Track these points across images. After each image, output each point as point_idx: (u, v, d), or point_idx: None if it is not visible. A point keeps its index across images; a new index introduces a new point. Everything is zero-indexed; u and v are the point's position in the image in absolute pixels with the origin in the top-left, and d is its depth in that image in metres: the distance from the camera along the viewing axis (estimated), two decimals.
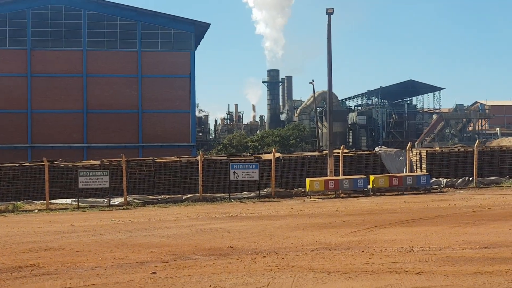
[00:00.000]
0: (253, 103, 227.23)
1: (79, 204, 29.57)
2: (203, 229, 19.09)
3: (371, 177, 30.89)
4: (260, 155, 37.14)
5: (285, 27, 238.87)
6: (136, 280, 11.25)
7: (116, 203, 30.17)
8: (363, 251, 13.78)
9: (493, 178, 33.46)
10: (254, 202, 28.79)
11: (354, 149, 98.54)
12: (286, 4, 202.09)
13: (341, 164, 33.24)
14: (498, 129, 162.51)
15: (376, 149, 37.76)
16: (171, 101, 61.54)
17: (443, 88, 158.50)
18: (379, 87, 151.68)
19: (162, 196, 30.96)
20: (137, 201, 30.33)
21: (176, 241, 16.52)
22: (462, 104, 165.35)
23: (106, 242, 16.56)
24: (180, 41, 63.18)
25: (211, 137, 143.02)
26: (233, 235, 17.27)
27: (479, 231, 16.14)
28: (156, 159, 34.07)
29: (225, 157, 36.68)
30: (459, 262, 11.97)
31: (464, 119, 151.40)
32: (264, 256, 13.63)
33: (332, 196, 30.23)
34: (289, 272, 11.57)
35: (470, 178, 32.90)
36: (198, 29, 65.18)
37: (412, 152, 37.11)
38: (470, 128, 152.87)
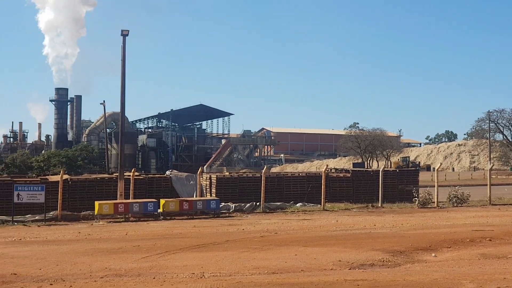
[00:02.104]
0: (40, 122, 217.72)
1: None
2: None
3: (162, 201, 30.70)
4: (47, 177, 35.58)
5: (77, 44, 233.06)
6: None
7: None
8: (154, 278, 13.49)
9: (278, 203, 34.66)
10: (39, 226, 27.35)
11: (144, 172, 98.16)
12: (78, 23, 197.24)
13: (131, 187, 32.75)
14: (282, 155, 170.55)
15: (167, 172, 37.71)
16: None
17: (232, 114, 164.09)
18: (170, 110, 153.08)
19: None
20: None
21: None
22: (250, 130, 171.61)
23: None
24: None
25: None
26: (17, 261, 16.18)
27: (267, 256, 16.49)
28: None
29: (9, 178, 34.60)
30: None
31: (251, 145, 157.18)
32: (51, 284, 12.91)
33: (122, 219, 29.58)
34: None
35: (258, 203, 33.83)
36: None
37: (202, 176, 37.54)
38: (257, 154, 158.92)
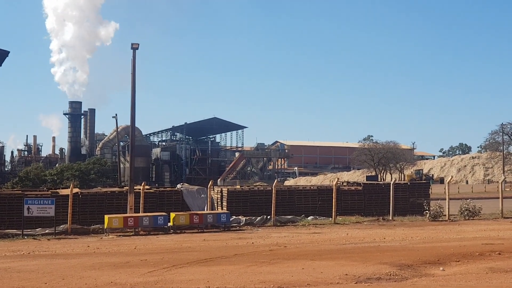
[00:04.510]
0: (54, 135, 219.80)
1: None
2: None
3: (172, 214, 30.70)
4: (58, 190, 35.70)
5: (89, 60, 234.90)
6: None
7: None
8: None
9: (289, 217, 34.53)
10: (49, 239, 27.43)
11: (156, 185, 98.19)
12: (90, 40, 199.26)
13: (141, 201, 32.80)
14: (296, 168, 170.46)
15: (178, 186, 37.73)
16: None
17: (246, 127, 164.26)
18: (184, 123, 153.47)
19: None
20: None
21: None
22: (263, 143, 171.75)
23: None
24: None
25: (6, 169, 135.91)
26: (23, 275, 16.21)
27: (274, 270, 16.42)
28: None
29: (20, 192, 34.75)
30: None
31: (265, 158, 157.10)
32: None
33: (132, 233, 29.60)
34: None
35: (268, 217, 33.72)
36: None
37: (213, 189, 37.54)
38: (271, 167, 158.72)
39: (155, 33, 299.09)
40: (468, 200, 37.40)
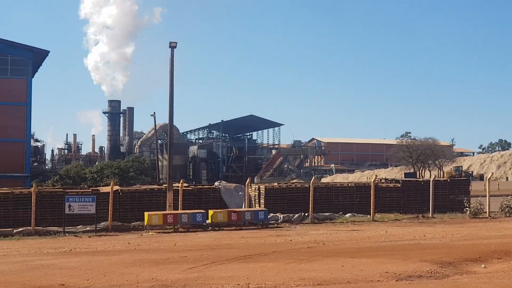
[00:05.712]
0: (93, 134, 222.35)
1: None
2: (34, 265, 18.08)
3: (210, 212, 30.86)
4: (98, 188, 36.16)
5: (128, 58, 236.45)
6: None
7: None
8: None
9: (327, 214, 34.44)
10: (89, 236, 27.81)
11: (194, 183, 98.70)
12: (129, 37, 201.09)
13: (180, 198, 33.02)
14: (333, 165, 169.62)
15: (216, 183, 37.89)
16: (3, 129, 58.86)
17: (282, 124, 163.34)
18: (220, 121, 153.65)
19: None
20: None
21: (4, 278, 15.55)
22: (300, 140, 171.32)
23: None
24: (17, 67, 60.81)
25: (47, 167, 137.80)
26: (66, 272, 16.48)
27: (313, 268, 16.42)
28: None
29: (61, 189, 35.24)
30: None
31: (301, 155, 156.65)
32: None
33: (171, 230, 29.87)
34: None
35: (306, 214, 33.67)
36: (37, 56, 63.05)
37: (251, 187, 37.59)
38: (307, 164, 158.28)
39: (194, 25, 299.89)
40: (509, 197, 36.91)
